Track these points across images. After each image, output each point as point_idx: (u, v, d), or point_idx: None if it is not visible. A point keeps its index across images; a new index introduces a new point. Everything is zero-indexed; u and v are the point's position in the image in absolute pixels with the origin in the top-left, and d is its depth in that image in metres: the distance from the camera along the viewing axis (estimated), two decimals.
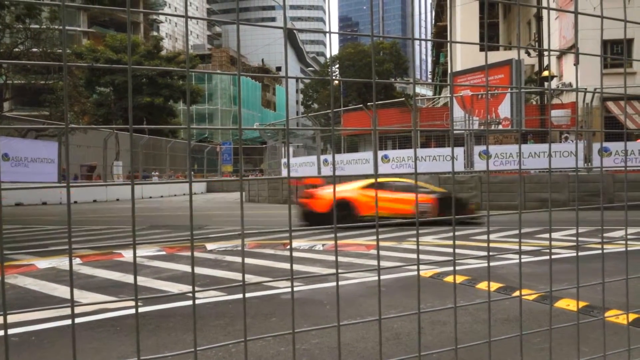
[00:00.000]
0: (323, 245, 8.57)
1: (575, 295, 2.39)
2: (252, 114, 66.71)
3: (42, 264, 7.14)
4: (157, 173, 34.08)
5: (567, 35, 23.77)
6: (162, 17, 69.92)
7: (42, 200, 23.48)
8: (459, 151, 17.31)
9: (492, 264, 6.65)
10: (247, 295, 5.13)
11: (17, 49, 22.91)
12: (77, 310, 4.80)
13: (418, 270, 1.77)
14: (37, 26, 23.12)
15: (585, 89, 14.43)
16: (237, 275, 6.29)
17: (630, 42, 22.27)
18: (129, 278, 6.25)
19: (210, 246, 8.54)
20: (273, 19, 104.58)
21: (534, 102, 26.87)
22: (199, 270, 6.63)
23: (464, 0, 32.38)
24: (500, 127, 21.52)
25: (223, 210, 19.20)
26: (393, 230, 10.67)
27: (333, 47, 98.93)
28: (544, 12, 23.39)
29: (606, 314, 3.69)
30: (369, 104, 27.21)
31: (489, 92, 18.80)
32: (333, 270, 1.86)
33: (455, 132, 17.26)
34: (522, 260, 5.21)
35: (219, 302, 4.98)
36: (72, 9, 44.38)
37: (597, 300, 4.27)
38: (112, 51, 39.78)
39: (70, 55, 35.53)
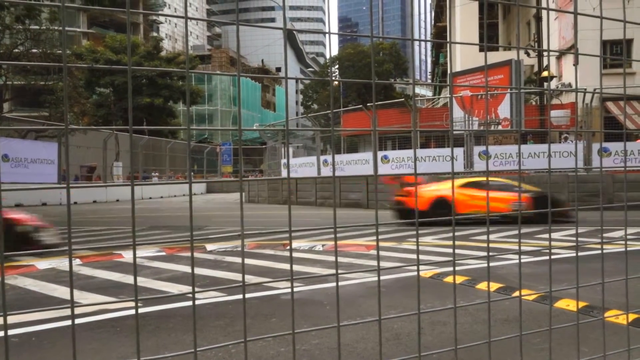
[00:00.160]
0: (323, 245, 8.58)
1: (575, 296, 2.39)
2: (252, 114, 66.69)
3: (42, 264, 7.15)
4: (157, 174, 34.06)
5: (566, 35, 23.78)
6: (161, 18, 69.88)
7: (42, 201, 23.43)
8: (459, 151, 17.32)
9: (491, 264, 6.65)
10: (247, 295, 5.13)
11: (17, 50, 22.93)
12: (77, 311, 4.80)
13: (418, 270, 1.77)
14: (36, 27, 23.10)
15: (585, 89, 14.43)
16: (237, 276, 6.29)
17: (629, 42, 22.27)
18: (129, 279, 6.25)
19: (210, 247, 8.54)
20: (273, 20, 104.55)
21: (534, 103, 26.87)
22: (198, 270, 6.63)
23: (463, 1, 32.37)
24: (500, 127, 21.54)
25: (223, 210, 19.20)
26: (393, 230, 10.68)
27: (333, 47, 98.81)
28: (544, 13, 23.37)
29: (606, 314, 3.69)
30: (368, 104, 27.19)
31: (489, 92, 18.81)
32: (333, 271, 1.86)
33: (455, 132, 17.26)
34: (522, 261, 5.21)
35: (219, 303, 4.98)
36: (71, 10, 44.34)
37: (597, 300, 4.27)
38: (112, 52, 39.77)
39: (70, 56, 35.49)
